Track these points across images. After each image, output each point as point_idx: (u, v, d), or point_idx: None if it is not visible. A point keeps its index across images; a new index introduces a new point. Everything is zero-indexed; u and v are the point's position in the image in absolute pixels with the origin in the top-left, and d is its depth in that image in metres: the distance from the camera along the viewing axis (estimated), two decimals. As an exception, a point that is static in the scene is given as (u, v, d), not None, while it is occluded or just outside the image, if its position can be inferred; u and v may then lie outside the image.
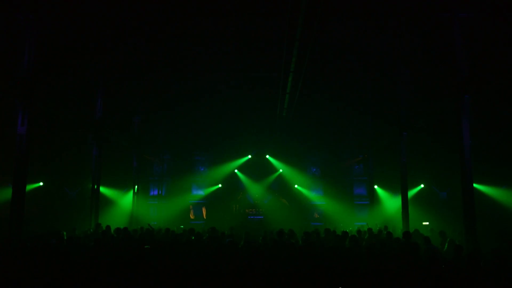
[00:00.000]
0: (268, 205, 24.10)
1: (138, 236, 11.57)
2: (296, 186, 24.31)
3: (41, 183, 18.57)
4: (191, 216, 24.01)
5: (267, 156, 24.56)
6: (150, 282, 6.62)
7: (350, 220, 21.91)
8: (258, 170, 24.44)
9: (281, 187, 24.56)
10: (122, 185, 20.96)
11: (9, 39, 11.48)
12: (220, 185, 24.33)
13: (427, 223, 16.87)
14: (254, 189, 24.46)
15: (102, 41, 13.10)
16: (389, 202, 20.52)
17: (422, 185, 20.73)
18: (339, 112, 21.13)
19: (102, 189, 16.35)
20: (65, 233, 12.92)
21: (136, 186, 20.13)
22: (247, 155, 24.53)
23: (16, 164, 10.10)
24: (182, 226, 18.31)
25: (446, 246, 9.53)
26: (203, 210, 24.37)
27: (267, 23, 12.29)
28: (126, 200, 20.69)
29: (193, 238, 10.50)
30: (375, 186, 20.10)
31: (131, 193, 20.29)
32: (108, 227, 12.84)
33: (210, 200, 24.32)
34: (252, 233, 12.62)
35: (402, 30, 12.62)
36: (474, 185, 10.60)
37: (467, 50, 10.87)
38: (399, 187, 14.88)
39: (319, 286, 6.37)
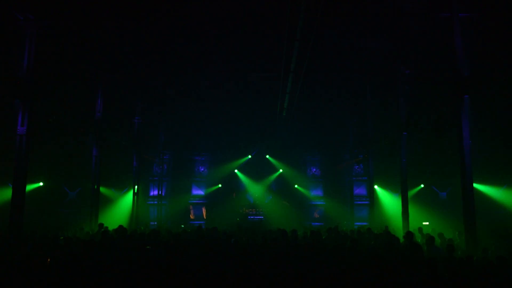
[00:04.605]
0: (268, 205, 24.12)
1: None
2: (296, 186, 24.32)
3: (41, 183, 18.58)
4: (191, 216, 24.02)
5: (267, 156, 24.57)
6: (151, 282, 6.62)
7: (350, 220, 21.93)
8: (258, 170, 24.46)
9: (281, 187, 24.57)
10: (122, 185, 20.97)
11: (9, 40, 11.47)
12: (220, 185, 24.34)
13: (427, 223, 16.88)
14: (254, 189, 24.47)
15: (102, 41, 13.10)
16: (389, 202, 20.52)
17: (422, 185, 20.73)
18: (339, 112, 21.13)
19: (102, 189, 16.34)
20: (65, 233, 12.97)
21: (136, 186, 20.12)
22: (247, 155, 24.55)
23: (16, 164, 10.10)
24: (183, 226, 18.34)
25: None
26: (203, 210, 24.39)
27: (267, 23, 12.28)
28: (126, 200, 20.69)
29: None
30: (375, 186, 20.10)
31: (131, 193, 20.28)
32: (106, 227, 12.85)
33: (210, 200, 24.33)
34: (252, 233, 12.63)
35: (402, 29, 12.62)
36: (474, 185, 10.57)
37: (467, 50, 10.86)
38: (399, 187, 14.87)
39: (320, 286, 6.37)
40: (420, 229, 12.95)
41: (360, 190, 23.22)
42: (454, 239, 11.80)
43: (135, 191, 20.11)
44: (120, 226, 12.26)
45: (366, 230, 12.70)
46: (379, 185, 20.68)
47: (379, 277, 6.28)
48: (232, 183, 24.60)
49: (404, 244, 9.66)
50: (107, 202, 19.85)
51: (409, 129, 14.60)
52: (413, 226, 13.92)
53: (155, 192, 23.08)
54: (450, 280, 6.08)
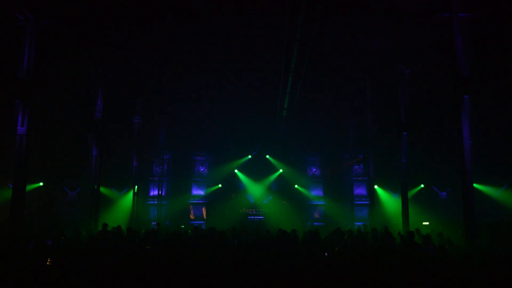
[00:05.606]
0: (268, 205, 24.12)
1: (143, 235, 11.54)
2: (296, 186, 24.32)
3: (41, 183, 18.57)
4: (191, 216, 24.02)
5: (267, 156, 24.58)
6: (152, 283, 6.62)
7: (350, 220, 21.92)
8: (258, 170, 24.46)
9: (281, 187, 24.57)
10: (122, 185, 20.96)
11: (9, 39, 11.47)
12: (220, 185, 24.35)
13: (427, 223, 16.88)
14: (254, 189, 24.47)
15: (102, 41, 13.10)
16: (389, 202, 20.52)
17: (422, 185, 20.73)
18: (339, 112, 21.13)
19: (102, 189, 16.34)
20: (69, 231, 12.97)
21: (136, 186, 20.12)
22: (247, 155, 24.56)
23: (16, 164, 10.10)
24: (183, 226, 18.33)
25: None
26: (203, 210, 24.39)
27: (267, 23, 12.28)
28: (126, 200, 20.70)
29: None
30: (375, 186, 20.10)
31: (131, 193, 20.29)
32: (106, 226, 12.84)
33: (210, 200, 24.34)
34: (252, 233, 12.62)
35: (402, 29, 12.62)
36: (474, 185, 10.57)
37: (467, 50, 10.86)
38: (399, 187, 14.87)
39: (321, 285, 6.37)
40: (418, 230, 12.88)
41: (360, 190, 23.21)
42: (455, 239, 11.79)
43: (135, 191, 20.11)
44: (119, 227, 12.27)
45: (371, 231, 12.66)
46: (379, 185, 20.69)
47: (379, 276, 6.28)
48: (232, 183, 24.60)
49: (404, 243, 9.67)
50: (107, 202, 19.85)
51: (409, 129, 14.61)
52: (413, 226, 13.91)
53: (155, 192, 23.07)
54: (449, 280, 6.08)
